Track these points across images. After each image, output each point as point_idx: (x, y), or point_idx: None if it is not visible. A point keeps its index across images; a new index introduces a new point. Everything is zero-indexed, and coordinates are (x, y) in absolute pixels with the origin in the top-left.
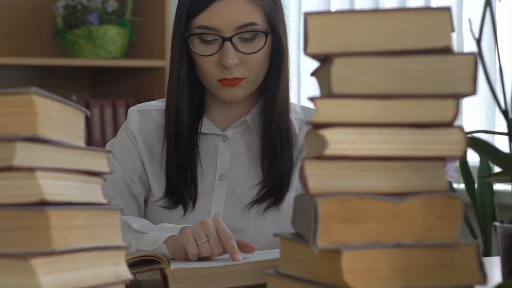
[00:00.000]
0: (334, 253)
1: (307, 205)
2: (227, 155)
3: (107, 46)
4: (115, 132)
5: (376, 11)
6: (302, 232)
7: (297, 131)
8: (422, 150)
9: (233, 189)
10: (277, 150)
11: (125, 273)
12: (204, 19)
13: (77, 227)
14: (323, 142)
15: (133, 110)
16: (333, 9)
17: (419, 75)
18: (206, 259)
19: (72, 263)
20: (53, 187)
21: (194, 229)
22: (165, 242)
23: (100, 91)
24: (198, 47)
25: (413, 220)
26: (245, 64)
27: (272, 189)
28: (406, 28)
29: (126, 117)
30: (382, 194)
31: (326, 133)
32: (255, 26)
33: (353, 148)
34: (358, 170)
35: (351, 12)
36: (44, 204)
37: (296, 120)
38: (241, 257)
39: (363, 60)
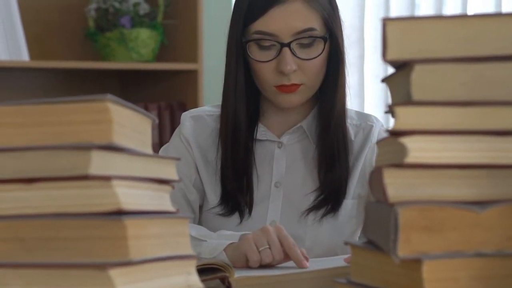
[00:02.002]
0: (414, 263)
1: (383, 214)
2: (283, 162)
3: (139, 49)
4: None
5: (456, 17)
6: (378, 241)
7: (352, 137)
8: (503, 158)
9: (289, 196)
10: (334, 157)
11: (197, 283)
12: (262, 24)
13: (151, 237)
14: (403, 150)
15: (186, 116)
16: (367, 9)
17: (499, 81)
18: (268, 266)
19: (147, 273)
20: (128, 195)
21: (255, 236)
22: (224, 249)
23: (131, 94)
24: (255, 53)
25: (493, 229)
26: (303, 70)
27: (329, 196)
28: (486, 34)
29: (158, 121)
30: (462, 203)
31: (407, 140)
32: (314, 32)
33: (433, 156)
34: (437, 178)
35: (430, 18)
36: (120, 213)
37: (351, 125)
38: (308, 264)
39: (443, 67)
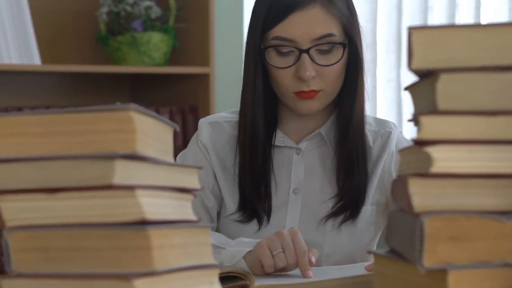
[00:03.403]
0: (439, 273)
1: (407, 223)
2: (301, 168)
3: (151, 53)
4: None
5: (481, 25)
6: (402, 251)
7: (371, 144)
8: None
9: (307, 203)
10: (353, 163)
11: None
12: (281, 30)
13: (174, 246)
14: (428, 160)
15: (204, 122)
16: (380, 13)
17: None
18: (283, 270)
19: (170, 283)
20: (151, 205)
21: (269, 240)
22: (243, 257)
23: (142, 98)
24: (274, 59)
25: None
26: (322, 76)
27: (348, 203)
28: None
29: None
30: (488, 213)
31: (432, 150)
32: (333, 37)
33: (459, 166)
34: (463, 188)
35: (456, 26)
36: (144, 223)
37: (369, 132)
38: (312, 274)
39: (469, 76)
